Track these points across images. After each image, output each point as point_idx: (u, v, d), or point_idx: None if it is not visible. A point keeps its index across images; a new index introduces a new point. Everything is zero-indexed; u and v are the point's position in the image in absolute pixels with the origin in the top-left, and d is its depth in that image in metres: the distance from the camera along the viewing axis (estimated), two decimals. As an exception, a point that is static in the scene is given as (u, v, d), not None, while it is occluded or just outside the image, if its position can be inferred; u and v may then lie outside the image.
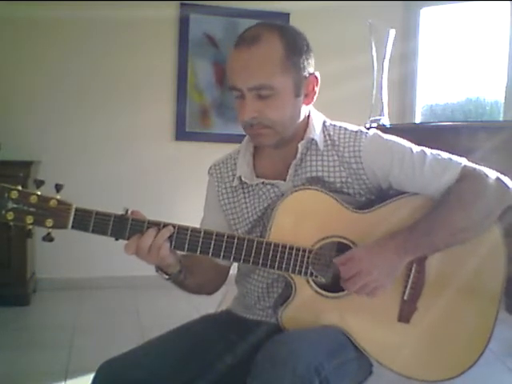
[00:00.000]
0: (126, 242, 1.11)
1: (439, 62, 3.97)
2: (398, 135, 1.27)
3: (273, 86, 1.13)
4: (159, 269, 1.17)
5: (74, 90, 3.49)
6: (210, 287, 1.34)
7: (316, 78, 1.22)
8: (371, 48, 2.35)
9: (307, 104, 1.23)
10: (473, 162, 1.21)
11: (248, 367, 1.02)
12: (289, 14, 3.73)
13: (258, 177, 1.27)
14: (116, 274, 3.53)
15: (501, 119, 3.69)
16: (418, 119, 4.05)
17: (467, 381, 1.20)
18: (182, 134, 3.70)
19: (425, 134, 2.25)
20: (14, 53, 3.40)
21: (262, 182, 1.25)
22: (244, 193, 1.29)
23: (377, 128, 1.84)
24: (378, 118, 2.39)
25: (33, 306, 3.17)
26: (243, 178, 1.27)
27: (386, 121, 2.40)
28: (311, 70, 1.21)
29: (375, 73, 2.38)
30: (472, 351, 1.18)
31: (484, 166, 1.21)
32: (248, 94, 1.15)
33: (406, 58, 3.88)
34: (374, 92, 2.39)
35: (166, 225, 1.10)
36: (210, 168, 1.37)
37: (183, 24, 3.65)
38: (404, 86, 3.97)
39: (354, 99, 3.24)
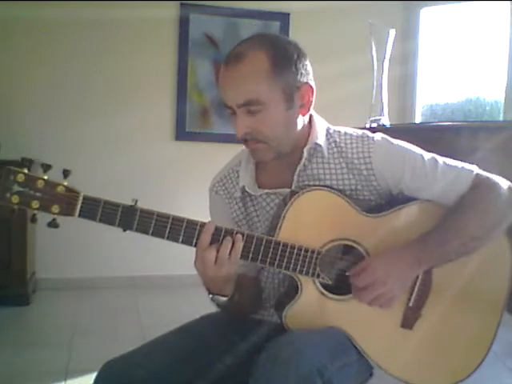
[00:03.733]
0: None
1: (439, 62, 3.97)
2: (397, 135, 1.26)
3: (261, 101, 1.12)
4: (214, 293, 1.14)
5: (73, 90, 3.49)
6: (259, 303, 1.29)
7: (311, 87, 1.19)
8: (371, 48, 2.35)
9: (304, 114, 1.21)
10: (473, 162, 1.21)
11: (249, 367, 1.02)
12: (289, 14, 3.73)
13: (260, 187, 1.25)
14: (116, 274, 3.54)
15: (501, 119, 3.69)
16: (418, 119, 4.05)
17: (467, 381, 1.20)
18: (182, 134, 3.70)
19: (425, 134, 2.25)
20: (13, 53, 3.40)
21: (266, 193, 1.24)
22: (252, 202, 1.27)
23: (376, 128, 1.84)
24: (378, 118, 2.39)
25: (33, 306, 3.16)
26: (247, 189, 1.25)
27: (386, 121, 2.40)
28: (305, 79, 1.17)
29: (375, 73, 2.37)
30: (472, 359, 1.19)
31: (484, 166, 1.21)
32: (238, 111, 1.14)
33: (406, 58, 3.88)
34: (374, 92, 2.39)
35: (175, 218, 1.07)
36: (214, 185, 1.33)
37: (183, 24, 3.64)
38: (404, 86, 3.97)
39: (354, 99, 3.24)
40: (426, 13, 3.98)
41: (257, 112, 1.13)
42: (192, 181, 3.24)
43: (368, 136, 1.23)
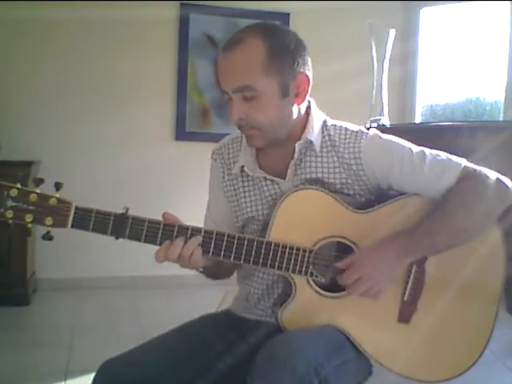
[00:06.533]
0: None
1: (439, 62, 3.97)
2: (397, 135, 1.27)
3: (255, 88, 1.13)
4: None
5: (73, 90, 3.49)
6: (231, 271, 1.36)
7: (306, 76, 1.19)
8: (371, 48, 2.35)
9: (299, 104, 1.21)
10: (473, 162, 1.22)
11: (248, 367, 1.03)
12: (289, 14, 3.73)
13: (259, 168, 1.27)
14: (116, 273, 3.53)
15: (501, 119, 3.69)
16: (418, 119, 4.05)
17: (467, 381, 1.20)
18: (182, 134, 3.70)
19: (425, 134, 2.25)
20: (13, 53, 3.40)
21: (264, 177, 1.25)
22: (243, 181, 1.29)
23: (377, 128, 1.84)
24: (378, 118, 2.39)
25: (33, 306, 3.17)
26: (246, 169, 1.26)
27: (386, 121, 2.40)
28: (301, 69, 1.18)
29: (375, 73, 2.38)
30: (472, 351, 1.19)
31: (484, 166, 1.21)
32: (234, 96, 1.16)
33: (406, 58, 3.87)
34: (374, 92, 2.39)
35: (166, 224, 1.10)
36: (213, 153, 1.37)
37: (183, 24, 3.64)
38: (404, 86, 3.97)
39: (354, 99, 3.24)
40: (426, 13, 3.98)
41: (252, 99, 1.15)
42: (192, 181, 3.23)
43: (362, 132, 1.25)
